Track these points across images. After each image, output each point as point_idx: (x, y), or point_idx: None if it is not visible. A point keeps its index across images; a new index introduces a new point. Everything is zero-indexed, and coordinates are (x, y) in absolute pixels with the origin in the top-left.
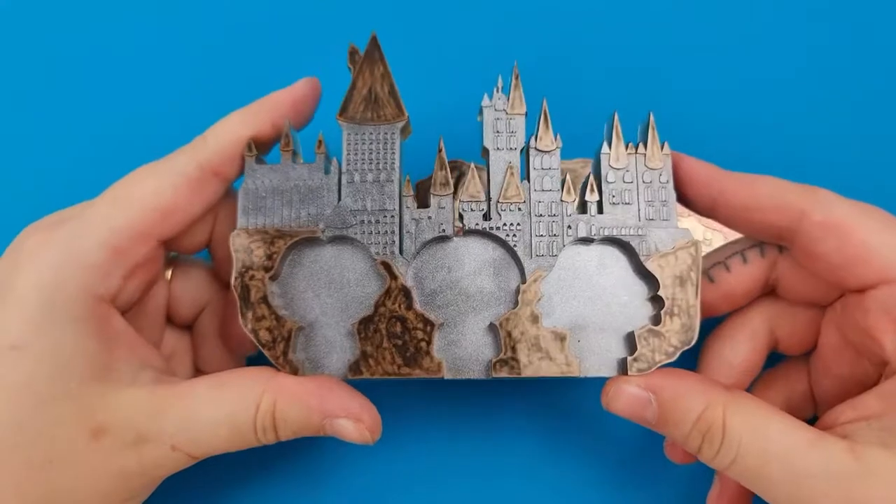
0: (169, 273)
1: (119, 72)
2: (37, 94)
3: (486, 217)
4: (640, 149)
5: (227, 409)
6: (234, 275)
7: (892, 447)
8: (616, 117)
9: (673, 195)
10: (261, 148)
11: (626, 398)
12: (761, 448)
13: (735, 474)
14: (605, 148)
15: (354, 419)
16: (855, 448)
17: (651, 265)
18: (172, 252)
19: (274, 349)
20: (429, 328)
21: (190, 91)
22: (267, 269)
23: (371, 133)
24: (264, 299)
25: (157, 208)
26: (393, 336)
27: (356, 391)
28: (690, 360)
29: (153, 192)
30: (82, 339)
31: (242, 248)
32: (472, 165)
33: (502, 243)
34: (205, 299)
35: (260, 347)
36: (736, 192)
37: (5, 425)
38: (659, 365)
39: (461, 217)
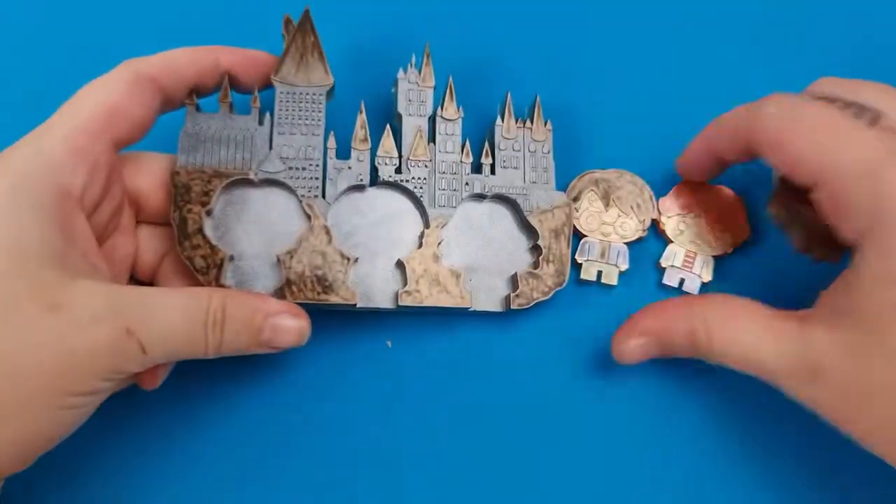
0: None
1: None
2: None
3: (398, 171)
4: (528, 124)
5: (182, 300)
6: (172, 207)
7: (833, 325)
8: (508, 96)
9: (552, 164)
10: (200, 92)
11: (631, 351)
12: (739, 355)
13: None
14: (498, 121)
15: (294, 314)
16: (803, 329)
17: (532, 220)
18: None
19: (207, 274)
20: (346, 262)
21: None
22: (203, 205)
23: (301, 93)
24: (200, 231)
25: (106, 108)
26: (314, 267)
27: None
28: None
29: (100, 93)
30: (45, 227)
31: (181, 184)
32: (388, 127)
33: (410, 194)
34: (165, 248)
35: (194, 272)
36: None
37: None
38: (536, 301)
39: (377, 170)
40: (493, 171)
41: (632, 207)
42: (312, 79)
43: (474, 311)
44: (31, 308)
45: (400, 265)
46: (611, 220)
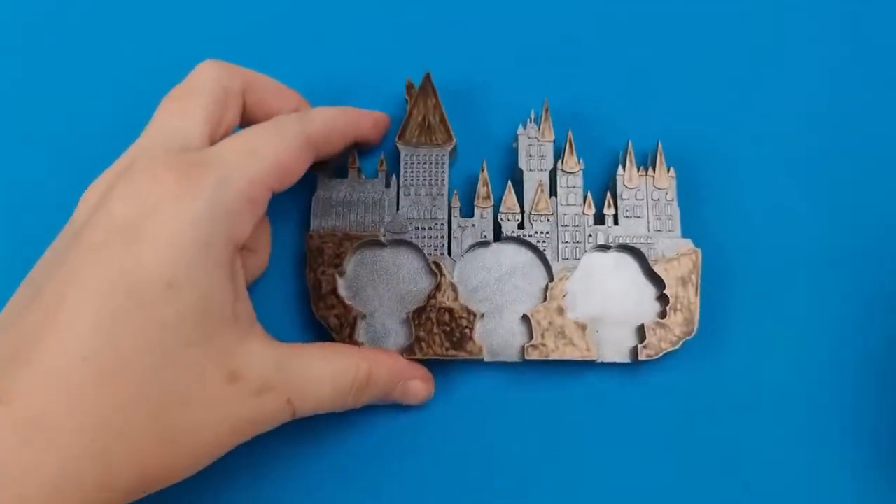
0: None
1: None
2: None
3: (521, 226)
4: (650, 171)
5: (336, 369)
6: (308, 270)
7: None
8: (630, 145)
9: (677, 210)
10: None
11: None
12: None
13: None
14: (620, 170)
15: (423, 379)
16: None
17: (658, 269)
18: None
19: (341, 333)
20: (472, 317)
21: None
22: (336, 266)
23: (424, 154)
24: (333, 291)
25: (279, 165)
26: (442, 324)
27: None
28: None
29: (278, 149)
30: (224, 285)
31: (315, 247)
32: (509, 183)
33: (533, 248)
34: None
35: (329, 331)
36: None
37: (154, 362)
38: (664, 352)
39: (500, 226)
40: (616, 222)
41: None
42: (435, 140)
43: (602, 362)
44: (214, 379)
45: (525, 319)
46: None
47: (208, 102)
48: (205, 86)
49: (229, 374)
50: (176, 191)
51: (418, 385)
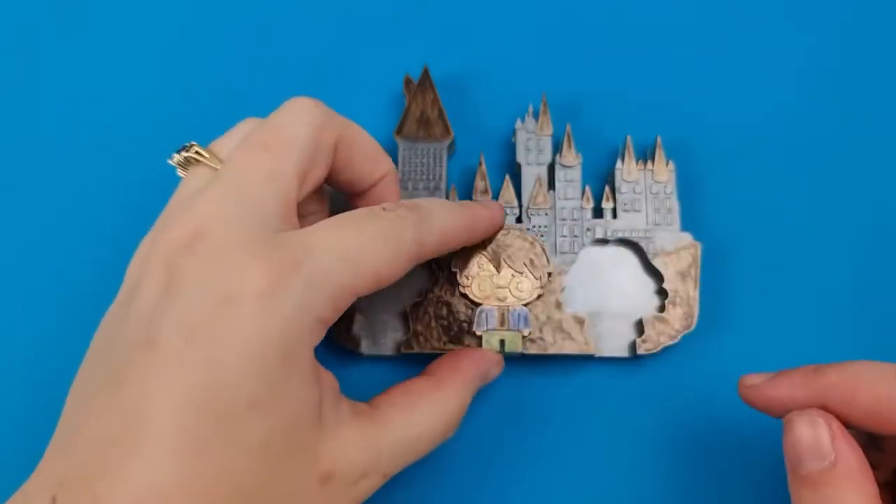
0: None
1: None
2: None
3: (519, 220)
4: (649, 165)
5: (432, 422)
6: None
7: None
8: (628, 139)
9: (676, 204)
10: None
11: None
12: None
13: None
14: (618, 164)
15: (498, 364)
16: None
17: (657, 262)
18: None
19: (338, 326)
20: (470, 311)
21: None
22: None
23: (423, 149)
24: None
25: (377, 278)
26: (440, 318)
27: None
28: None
29: (379, 261)
30: (304, 390)
31: None
32: (507, 177)
33: (532, 242)
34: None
35: None
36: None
37: (242, 483)
38: (663, 346)
39: None
40: (614, 215)
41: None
42: (433, 134)
43: (600, 357)
44: (308, 486)
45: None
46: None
47: (302, 159)
48: (299, 136)
49: (322, 476)
50: (263, 288)
51: (495, 372)
